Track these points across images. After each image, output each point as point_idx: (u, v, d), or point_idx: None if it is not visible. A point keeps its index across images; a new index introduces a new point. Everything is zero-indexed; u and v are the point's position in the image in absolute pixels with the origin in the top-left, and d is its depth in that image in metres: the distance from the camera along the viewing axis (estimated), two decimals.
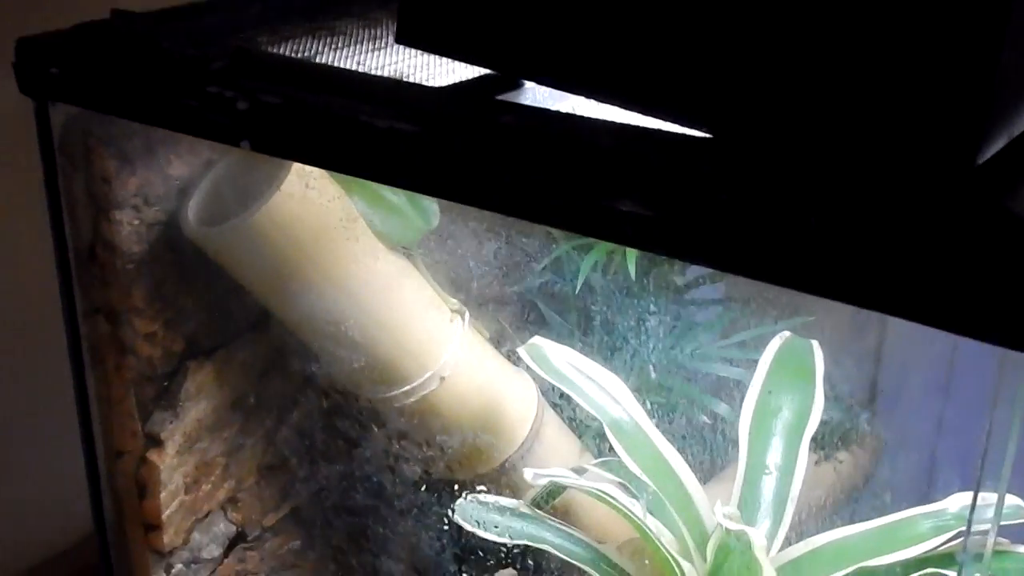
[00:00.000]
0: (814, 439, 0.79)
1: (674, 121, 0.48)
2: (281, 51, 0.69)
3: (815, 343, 0.82)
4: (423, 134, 0.51)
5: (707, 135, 0.47)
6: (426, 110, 0.53)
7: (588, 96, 0.52)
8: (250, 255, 0.68)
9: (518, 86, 0.58)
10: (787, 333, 0.82)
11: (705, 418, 0.87)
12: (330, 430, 0.84)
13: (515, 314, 0.86)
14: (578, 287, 0.82)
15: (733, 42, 0.45)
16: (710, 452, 0.86)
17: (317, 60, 0.68)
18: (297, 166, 0.67)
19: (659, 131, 0.48)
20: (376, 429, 0.80)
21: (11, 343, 1.05)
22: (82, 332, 0.73)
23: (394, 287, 0.73)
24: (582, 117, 0.51)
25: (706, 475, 0.85)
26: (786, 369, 0.81)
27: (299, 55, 0.68)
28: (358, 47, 0.71)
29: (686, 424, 0.84)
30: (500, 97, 0.56)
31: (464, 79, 0.62)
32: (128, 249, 0.69)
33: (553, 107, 0.56)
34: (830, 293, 0.43)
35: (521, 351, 0.75)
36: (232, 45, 0.62)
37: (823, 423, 0.80)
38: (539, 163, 0.49)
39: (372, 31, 0.74)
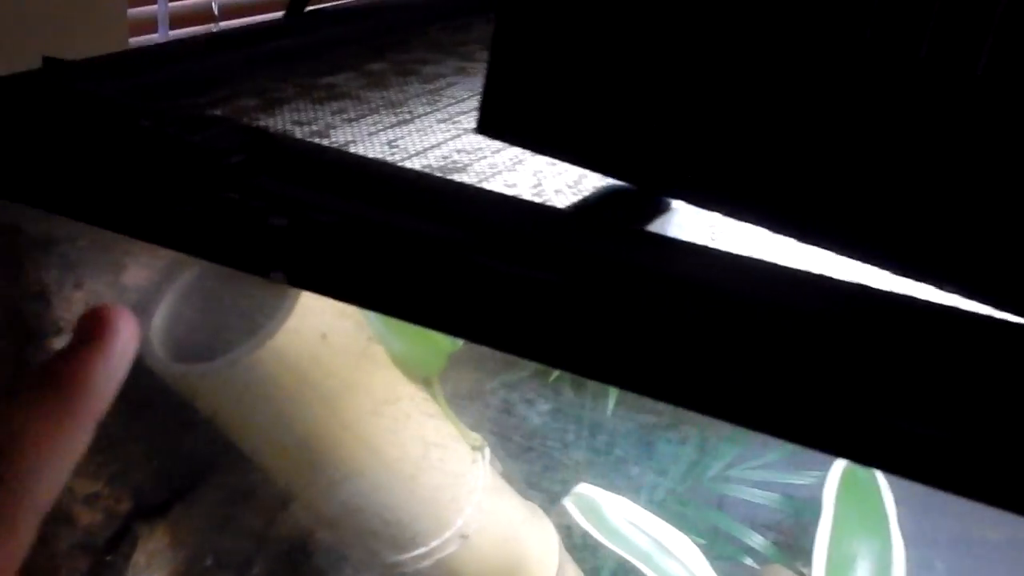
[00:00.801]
0: None
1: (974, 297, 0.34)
2: (281, 123, 0.52)
3: (878, 474, 0.70)
4: (571, 288, 0.35)
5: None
6: (565, 249, 0.37)
7: (807, 241, 0.37)
8: (243, 400, 0.51)
9: (660, 207, 0.42)
10: (843, 462, 0.70)
11: (750, 560, 0.73)
12: None
13: (528, 443, 0.70)
14: (609, 409, 0.67)
15: None
16: None
17: (336, 138, 0.51)
18: None
19: (946, 307, 0.34)
20: None
21: None
22: None
23: (414, 430, 0.57)
24: (820, 276, 0.36)
25: None
26: (854, 509, 0.68)
27: (309, 130, 0.51)
28: (376, 117, 0.54)
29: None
30: (649, 228, 0.41)
31: (577, 190, 0.47)
32: None
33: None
34: None
35: (568, 503, 0.60)
36: (237, 123, 0.45)
37: None
38: (758, 345, 0.34)
39: (384, 94, 0.58)
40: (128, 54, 0.54)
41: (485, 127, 0.43)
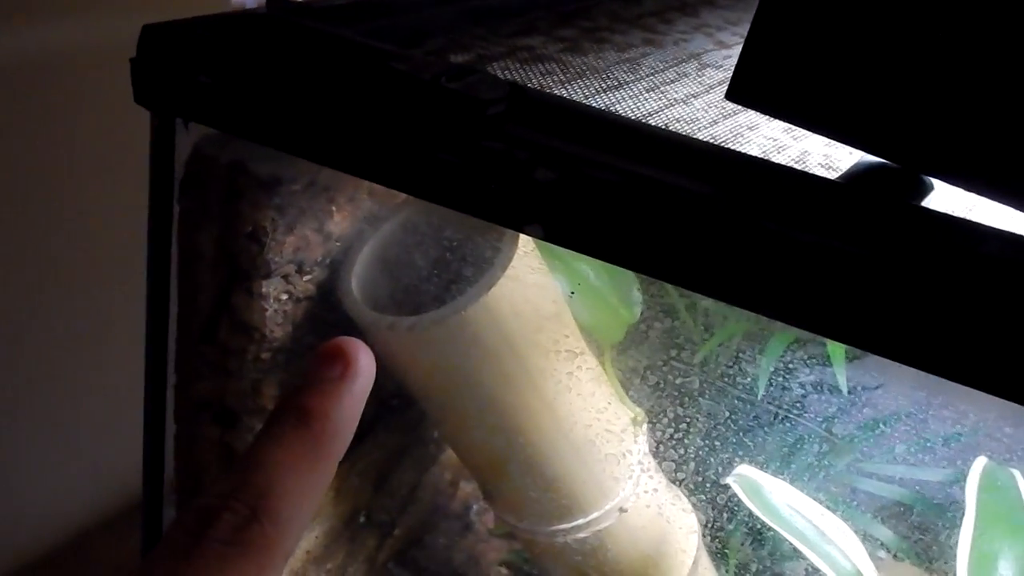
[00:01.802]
0: None
1: None
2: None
3: (1018, 473, 0.70)
4: (870, 260, 0.35)
5: None
6: (857, 221, 0.37)
7: None
8: (443, 354, 0.50)
9: (922, 186, 0.42)
10: (984, 460, 0.70)
11: (882, 554, 0.73)
12: (453, 554, 0.66)
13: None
14: (760, 392, 0.66)
15: None
16: None
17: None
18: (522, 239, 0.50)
19: None
20: (525, 569, 0.63)
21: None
22: (175, 433, 0.53)
23: (588, 398, 0.56)
24: None
25: None
26: (995, 508, 0.68)
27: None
28: (586, 82, 0.53)
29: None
30: (916, 202, 0.40)
31: (803, 166, 0.46)
32: (270, 333, 0.49)
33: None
34: None
35: (732, 482, 0.60)
36: (491, 74, 0.44)
37: None
38: None
39: (584, 59, 0.57)
40: (345, 3, 0.53)
41: (737, 93, 0.42)
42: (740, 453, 0.66)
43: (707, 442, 0.66)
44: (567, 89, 0.51)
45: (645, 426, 0.62)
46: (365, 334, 0.50)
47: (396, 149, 0.41)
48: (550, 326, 0.53)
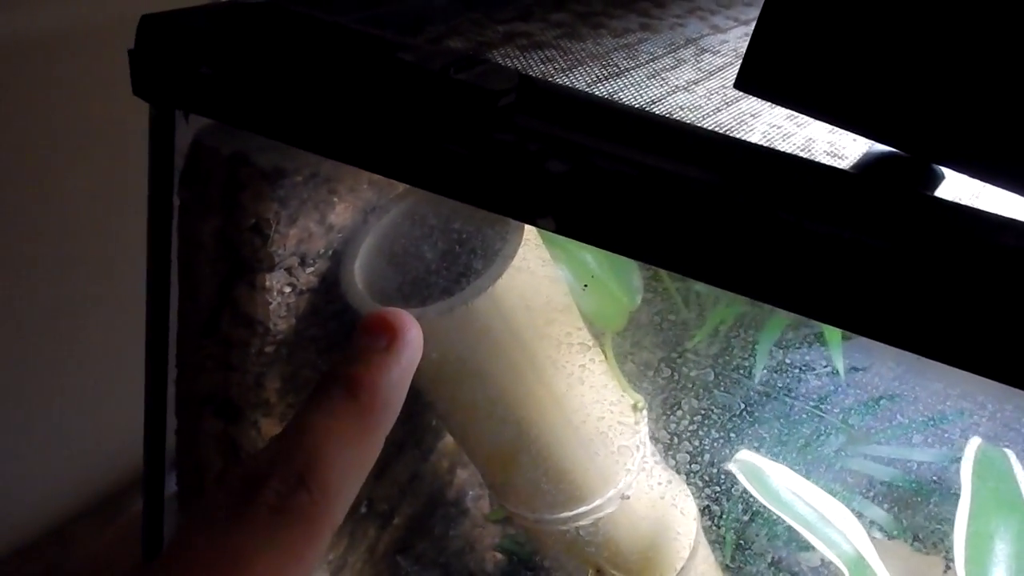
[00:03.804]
0: None
1: None
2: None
3: (1011, 454, 0.70)
4: (897, 255, 0.35)
5: None
6: (876, 212, 0.37)
7: None
8: (449, 347, 0.50)
9: (934, 176, 0.42)
10: (978, 440, 0.70)
11: (877, 534, 0.73)
12: (450, 542, 0.66)
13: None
14: (756, 376, 0.66)
15: None
16: None
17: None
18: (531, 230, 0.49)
19: None
20: (519, 553, 0.63)
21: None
22: (177, 429, 0.53)
23: (600, 388, 0.56)
24: None
25: None
26: (990, 488, 0.68)
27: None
28: (587, 69, 0.53)
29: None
30: (932, 193, 0.40)
31: (809, 154, 0.46)
32: (274, 326, 0.49)
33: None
34: None
35: (733, 467, 0.60)
36: (500, 64, 0.44)
37: None
38: None
39: (582, 45, 0.56)
40: None
41: (747, 82, 0.42)
42: (739, 438, 0.66)
43: (706, 428, 0.66)
44: (569, 77, 0.51)
45: (645, 412, 0.62)
46: None
47: (404, 141, 0.41)
48: (563, 318, 0.52)
